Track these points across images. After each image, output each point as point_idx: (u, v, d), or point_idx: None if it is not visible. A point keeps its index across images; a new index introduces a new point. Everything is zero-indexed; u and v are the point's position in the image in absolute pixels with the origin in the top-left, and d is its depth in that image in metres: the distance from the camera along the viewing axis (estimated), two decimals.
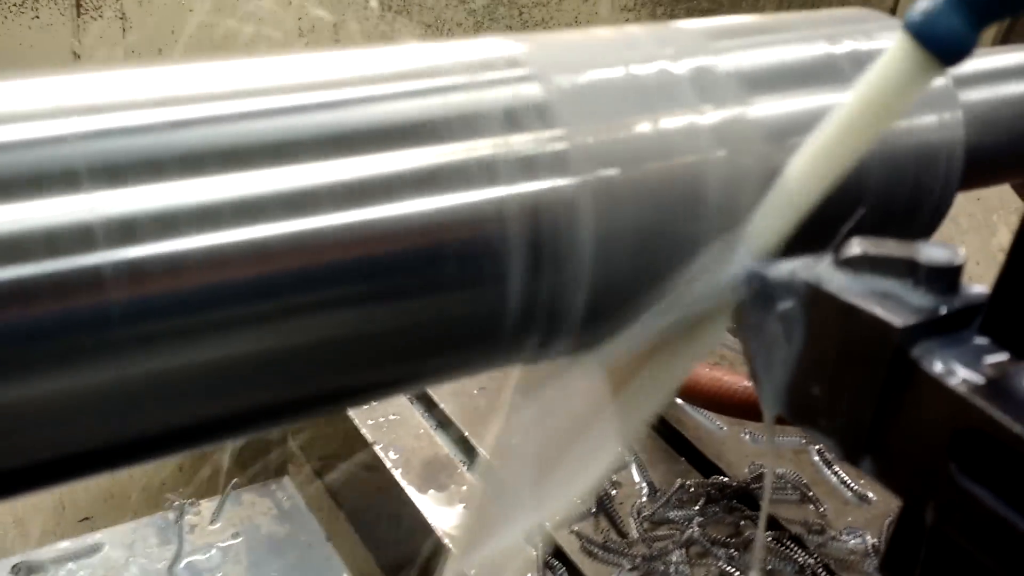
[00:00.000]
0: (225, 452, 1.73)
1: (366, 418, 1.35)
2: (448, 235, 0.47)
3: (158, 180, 0.41)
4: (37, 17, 2.82)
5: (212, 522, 1.51)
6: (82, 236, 0.39)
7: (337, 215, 0.45)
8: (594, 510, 1.26)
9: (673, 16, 4.02)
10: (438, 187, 0.47)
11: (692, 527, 1.27)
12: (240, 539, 1.49)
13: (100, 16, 2.95)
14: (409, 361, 0.51)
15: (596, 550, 1.20)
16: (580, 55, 0.53)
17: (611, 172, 0.50)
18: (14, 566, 1.37)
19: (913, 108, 0.63)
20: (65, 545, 1.44)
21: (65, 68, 0.44)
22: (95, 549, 1.44)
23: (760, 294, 0.53)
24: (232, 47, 3.06)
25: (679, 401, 1.44)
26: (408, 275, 0.47)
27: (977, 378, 0.46)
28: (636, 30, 0.57)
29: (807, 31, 0.61)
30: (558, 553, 1.20)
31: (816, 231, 0.51)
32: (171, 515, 1.52)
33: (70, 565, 1.41)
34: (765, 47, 0.58)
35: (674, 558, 1.21)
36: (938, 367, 0.47)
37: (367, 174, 0.46)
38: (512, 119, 0.49)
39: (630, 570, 1.18)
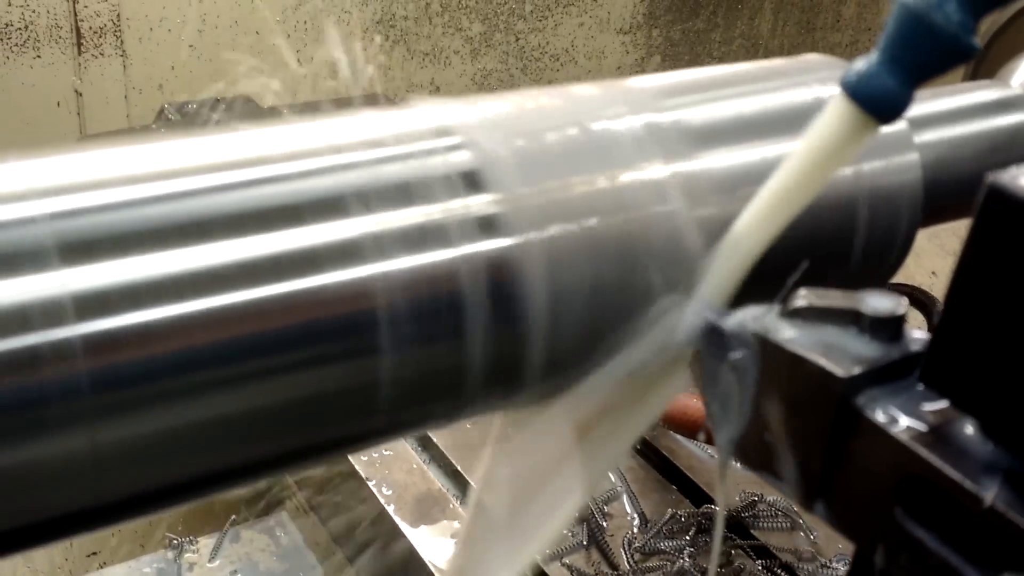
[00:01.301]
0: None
1: (360, 454, 1.36)
2: (388, 299, 0.49)
3: (123, 255, 0.43)
4: (39, 56, 2.87)
5: (211, 559, 1.53)
6: (54, 310, 0.41)
7: (288, 283, 0.46)
8: (585, 542, 1.27)
9: (669, 38, 4.04)
10: (375, 254, 0.48)
11: (683, 558, 1.27)
12: None
13: (100, 54, 2.99)
14: (375, 415, 0.52)
15: None
16: (527, 119, 0.55)
17: (556, 230, 0.52)
18: None
19: (873, 154, 0.65)
20: None
21: (28, 151, 0.46)
22: None
23: (712, 344, 0.54)
24: (235, 77, 3.09)
25: (670, 431, 1.45)
26: (347, 337, 0.48)
27: (919, 426, 0.48)
28: (589, 90, 0.58)
29: (764, 83, 0.62)
30: None
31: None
32: (170, 553, 1.53)
33: None
34: (718, 101, 0.60)
35: None
36: (881, 416, 0.48)
37: (294, 246, 0.47)
38: (450, 186, 0.51)
39: None
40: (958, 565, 0.47)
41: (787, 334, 0.51)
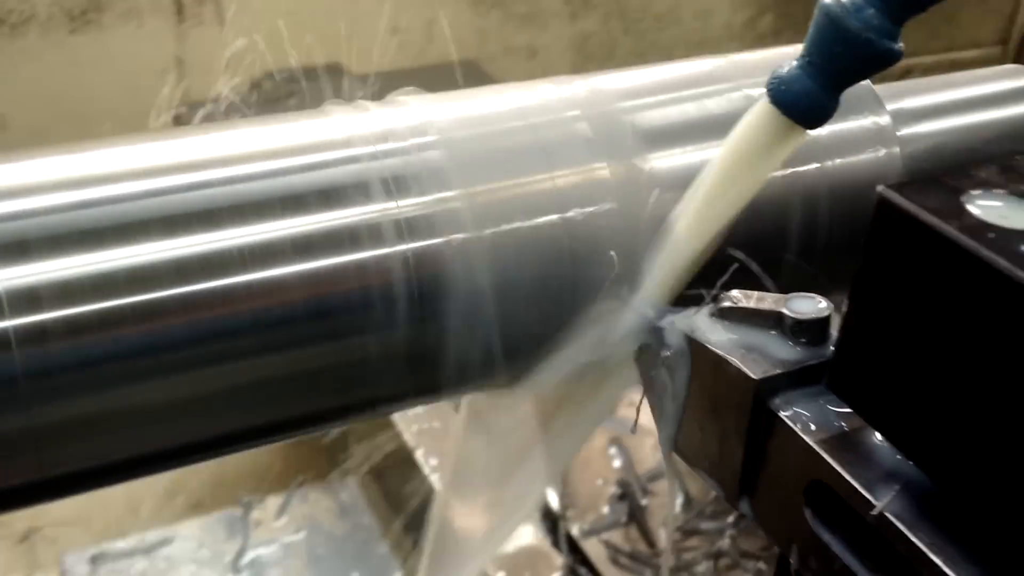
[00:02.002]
0: (294, 450, 1.82)
1: (410, 424, 1.41)
2: (340, 288, 0.51)
3: (59, 255, 0.47)
4: (141, 26, 2.98)
5: (277, 518, 1.60)
6: None
7: (240, 276, 0.50)
8: (625, 519, 1.29)
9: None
10: (332, 249, 0.51)
11: (724, 538, 1.28)
12: (302, 535, 1.57)
13: (200, 22, 3.08)
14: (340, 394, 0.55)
15: (623, 559, 1.23)
16: (477, 122, 0.56)
17: (490, 231, 0.53)
18: (92, 556, 1.48)
19: (846, 149, 0.64)
20: (139, 538, 1.54)
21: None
22: (166, 542, 1.54)
23: (648, 342, 0.55)
24: (329, 44, 3.16)
25: None
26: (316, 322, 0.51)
27: (829, 431, 0.48)
28: (548, 89, 0.60)
29: (732, 82, 0.62)
30: (584, 561, 1.24)
31: None
32: (239, 510, 1.61)
33: (143, 557, 1.51)
34: (674, 104, 0.60)
35: (701, 569, 1.23)
36: (793, 419, 0.49)
37: (264, 238, 0.50)
38: (400, 185, 0.53)
39: None
40: (858, 571, 0.47)
41: (712, 334, 0.52)
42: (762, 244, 0.60)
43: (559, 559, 1.21)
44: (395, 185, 0.52)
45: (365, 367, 0.54)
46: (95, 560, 1.49)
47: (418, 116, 0.57)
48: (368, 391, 0.56)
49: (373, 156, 0.54)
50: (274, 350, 0.51)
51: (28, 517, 2.43)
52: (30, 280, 0.46)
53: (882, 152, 0.65)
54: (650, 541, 1.27)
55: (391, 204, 0.52)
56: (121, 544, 1.53)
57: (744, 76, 0.62)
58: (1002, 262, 0.38)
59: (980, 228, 0.40)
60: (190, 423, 0.51)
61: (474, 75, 2.86)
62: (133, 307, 0.47)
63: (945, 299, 0.41)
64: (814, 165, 0.63)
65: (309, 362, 0.52)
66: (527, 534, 1.26)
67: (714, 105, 0.59)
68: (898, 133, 0.68)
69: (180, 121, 2.51)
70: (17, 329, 0.45)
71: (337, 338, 0.52)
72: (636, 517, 1.30)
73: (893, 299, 0.44)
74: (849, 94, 0.66)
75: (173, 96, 2.99)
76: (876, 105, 0.66)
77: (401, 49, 3.55)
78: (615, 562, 1.22)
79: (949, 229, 0.40)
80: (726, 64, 0.64)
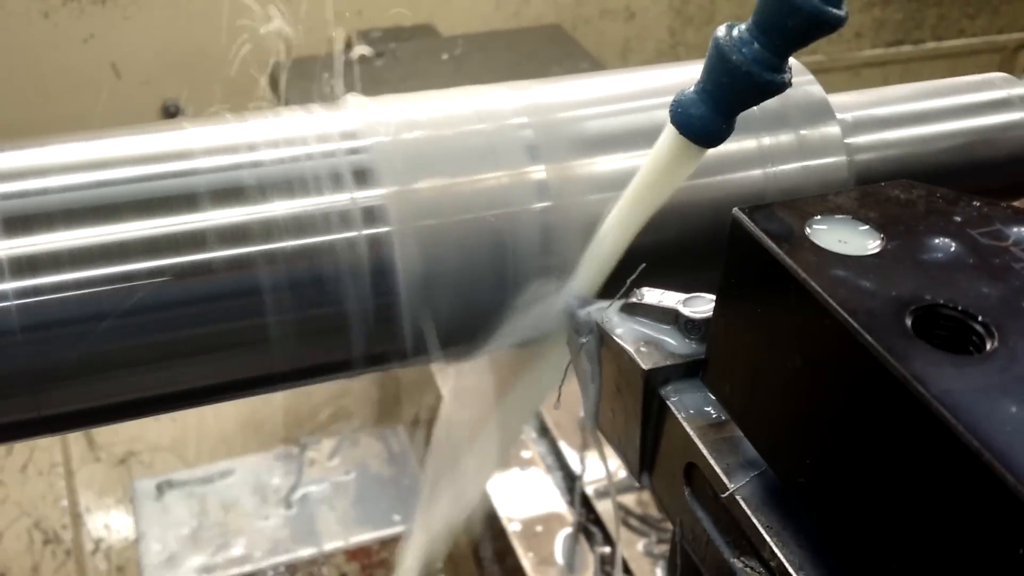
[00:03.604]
0: (351, 398, 1.93)
1: (447, 381, 1.49)
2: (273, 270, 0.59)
3: (53, 229, 0.56)
4: None
5: (330, 459, 1.71)
6: None
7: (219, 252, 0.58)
8: (639, 484, 1.35)
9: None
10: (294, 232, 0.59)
11: None
12: (351, 476, 1.68)
13: None
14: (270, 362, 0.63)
15: (633, 521, 1.30)
16: (431, 123, 0.63)
17: (432, 221, 0.60)
18: (158, 484, 1.61)
19: (792, 156, 0.69)
20: (204, 469, 1.67)
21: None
22: (227, 473, 1.66)
23: (573, 329, 0.62)
24: (424, 3, 3.24)
25: None
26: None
27: (702, 420, 0.54)
28: (502, 95, 0.66)
29: (667, 96, 0.67)
30: (596, 520, 1.30)
31: None
32: (296, 449, 1.72)
33: (206, 486, 1.64)
34: (616, 115, 0.65)
35: None
36: (677, 405, 0.55)
37: (245, 219, 0.58)
38: (343, 181, 0.60)
39: (657, 542, 1.26)
40: (720, 546, 0.53)
41: (618, 326, 0.58)
42: (700, 241, 0.66)
43: (572, 517, 1.28)
44: (355, 178, 0.60)
45: (332, 332, 0.61)
46: (161, 487, 1.62)
47: (386, 115, 0.63)
48: (335, 353, 0.63)
49: (338, 152, 0.61)
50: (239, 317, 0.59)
51: (126, 442, 2.62)
52: (27, 250, 0.55)
53: (829, 160, 0.69)
54: (661, 505, 1.33)
55: (348, 195, 0.59)
56: (186, 473, 1.66)
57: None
58: (812, 283, 0.43)
59: (805, 252, 0.45)
60: (174, 375, 0.60)
61: (559, 39, 2.89)
62: (121, 274, 0.56)
63: (777, 314, 0.46)
64: (759, 170, 0.68)
65: (277, 329, 0.60)
66: (545, 492, 1.33)
67: (647, 116, 0.64)
68: (852, 141, 0.72)
69: (274, 78, 2.62)
70: (17, 290, 0.54)
71: (306, 307, 0.60)
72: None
73: (743, 310, 0.49)
74: (801, 104, 0.70)
75: (277, 51, 3.10)
76: (827, 115, 0.70)
77: (498, 8, 3.61)
78: (625, 523, 1.29)
79: (776, 250, 0.45)
80: (666, 75, 0.69)
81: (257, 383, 0.64)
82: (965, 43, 4.00)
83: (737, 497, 0.50)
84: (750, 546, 0.50)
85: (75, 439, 2.66)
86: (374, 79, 2.52)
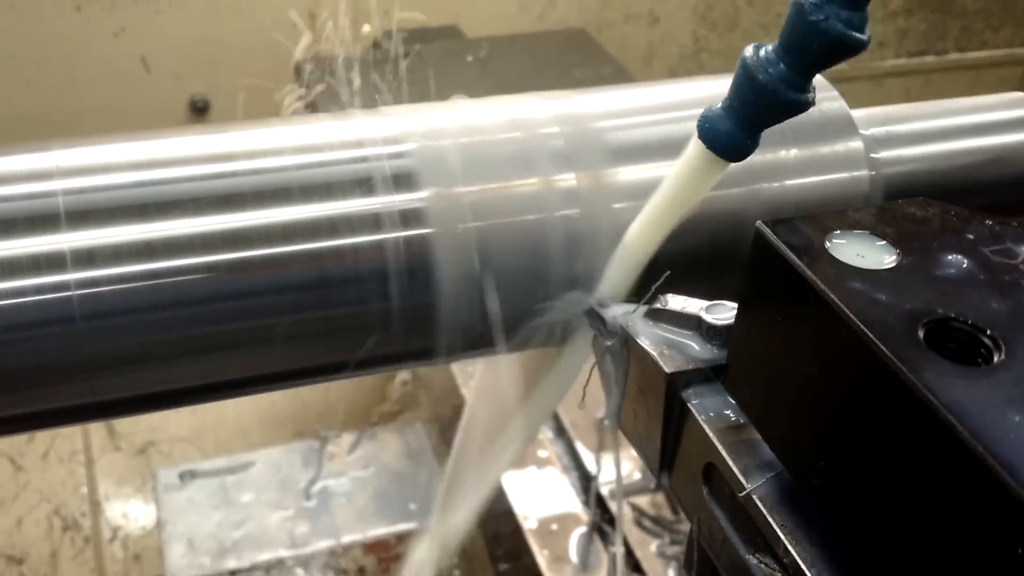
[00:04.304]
0: (369, 393, 1.95)
1: (467, 379, 1.52)
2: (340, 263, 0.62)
3: (113, 224, 0.59)
4: None
5: (349, 452, 1.74)
6: (57, 260, 0.58)
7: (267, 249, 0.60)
8: (653, 486, 1.37)
9: None
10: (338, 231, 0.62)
11: None
12: (370, 470, 1.71)
13: None
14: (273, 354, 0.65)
15: (646, 522, 1.32)
16: (470, 130, 0.66)
17: (472, 224, 0.63)
18: (180, 473, 1.65)
19: (812, 169, 0.71)
20: (226, 459, 1.70)
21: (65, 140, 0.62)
22: (248, 465, 1.70)
23: (599, 331, 0.64)
24: (451, 4, 3.27)
25: None
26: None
27: (726, 421, 0.56)
28: (536, 104, 0.68)
29: (695, 108, 0.69)
30: (611, 520, 1.33)
31: None
32: (317, 443, 1.75)
33: (227, 477, 1.67)
34: (646, 125, 0.68)
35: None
36: (697, 408, 0.57)
37: (290, 219, 0.61)
38: (400, 182, 0.63)
39: (670, 543, 1.29)
40: (736, 543, 0.55)
41: (642, 330, 0.61)
42: (724, 250, 0.68)
43: (587, 516, 1.31)
44: (396, 182, 0.62)
45: (362, 330, 0.64)
46: (184, 476, 1.66)
47: (426, 122, 0.66)
48: (375, 349, 0.66)
49: (381, 156, 0.64)
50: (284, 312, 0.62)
51: (146, 431, 2.66)
52: (89, 243, 0.58)
53: (850, 174, 0.72)
54: (674, 508, 1.35)
55: (389, 198, 0.62)
56: (208, 464, 1.69)
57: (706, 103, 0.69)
58: (830, 295, 0.45)
59: (824, 265, 0.47)
60: (221, 366, 0.63)
61: (583, 43, 2.92)
62: (176, 268, 0.59)
63: (796, 323, 0.49)
64: (784, 182, 0.70)
65: (319, 324, 0.63)
66: (561, 491, 1.36)
67: (677, 128, 0.67)
68: (876, 156, 0.74)
69: (301, 73, 2.65)
70: (79, 281, 0.57)
71: (344, 304, 0.62)
72: (663, 484, 1.38)
73: (763, 318, 0.52)
74: (826, 119, 0.73)
75: (303, 50, 3.14)
76: (850, 130, 0.72)
77: (523, 11, 3.64)
78: (639, 524, 1.31)
79: (797, 263, 0.47)
80: (693, 88, 0.72)
81: (301, 375, 0.66)
82: (988, 55, 4.00)
83: (754, 497, 0.52)
84: (765, 544, 0.53)
85: (96, 428, 2.70)
86: (399, 78, 2.55)
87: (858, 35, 0.50)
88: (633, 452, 1.33)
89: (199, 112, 2.95)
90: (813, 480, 0.50)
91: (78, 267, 0.58)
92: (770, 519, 0.52)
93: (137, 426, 2.65)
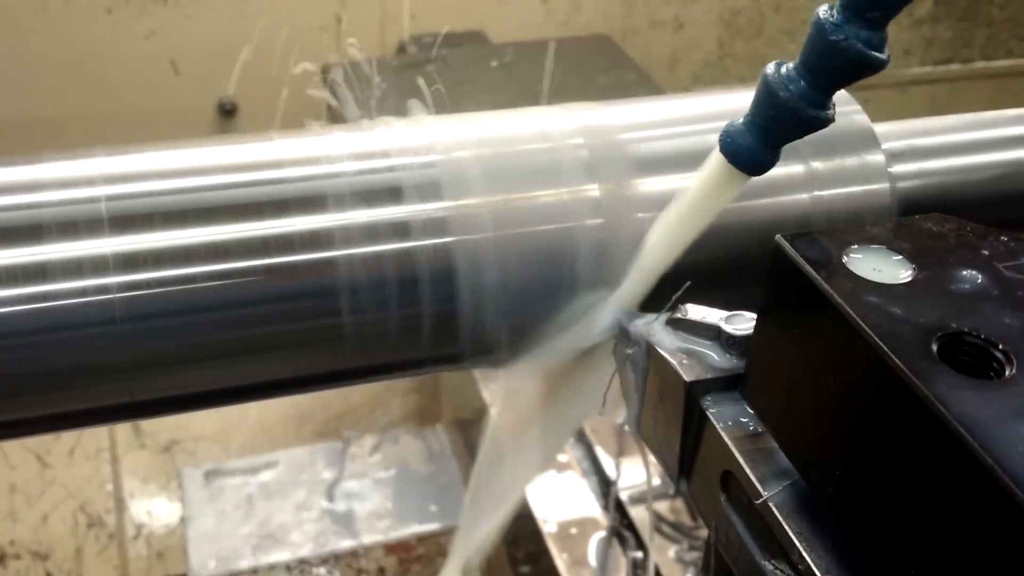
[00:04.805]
0: (395, 397, 1.97)
1: (488, 384, 1.53)
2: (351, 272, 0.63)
3: (154, 229, 0.61)
4: None
5: (371, 455, 1.76)
6: (100, 263, 0.60)
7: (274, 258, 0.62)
8: (672, 492, 1.38)
9: None
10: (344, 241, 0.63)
11: None
12: (392, 472, 1.73)
13: None
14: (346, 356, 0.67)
15: (665, 528, 1.33)
16: (495, 141, 0.67)
17: (495, 233, 0.64)
18: (205, 472, 1.67)
19: (836, 182, 0.72)
20: (250, 459, 1.73)
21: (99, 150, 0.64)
22: (272, 465, 1.72)
23: (620, 339, 0.65)
24: (481, 9, 3.30)
25: None
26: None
27: (740, 431, 0.57)
28: (560, 116, 0.70)
29: (716, 121, 0.70)
30: (630, 525, 1.34)
31: None
32: (340, 444, 1.77)
33: (251, 476, 1.69)
34: (668, 138, 0.69)
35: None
36: (716, 416, 0.58)
37: (313, 227, 0.63)
38: (427, 192, 0.64)
39: (688, 549, 1.30)
40: (753, 549, 0.56)
41: (663, 339, 0.62)
42: (745, 261, 0.69)
43: (606, 521, 1.32)
44: (424, 191, 0.64)
45: (389, 335, 0.66)
46: (208, 475, 1.68)
47: (456, 133, 0.68)
48: (392, 355, 0.68)
49: (412, 166, 0.65)
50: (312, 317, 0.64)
51: (171, 430, 2.69)
52: (132, 247, 0.60)
53: (871, 186, 0.73)
54: (692, 515, 1.36)
55: (419, 206, 0.64)
56: (232, 463, 1.71)
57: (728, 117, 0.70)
58: (846, 308, 0.47)
59: (841, 279, 0.48)
60: (256, 367, 0.65)
61: (607, 49, 2.93)
62: (215, 272, 0.60)
63: (813, 335, 0.50)
64: (806, 194, 0.71)
65: (352, 328, 0.64)
66: (580, 496, 1.37)
67: (699, 140, 0.68)
68: (896, 169, 0.75)
69: (327, 76, 2.68)
70: (120, 284, 0.59)
71: (378, 309, 0.64)
72: (681, 491, 1.39)
73: (781, 330, 0.53)
74: (848, 133, 0.74)
75: (330, 49, 3.16)
76: (872, 144, 0.73)
77: (548, 16, 3.66)
78: (658, 530, 1.32)
79: (815, 276, 0.48)
80: (716, 101, 0.73)
81: (332, 378, 0.68)
82: (1014, 64, 3.99)
83: (770, 504, 0.54)
84: (780, 550, 0.54)
85: (121, 426, 2.74)
86: (425, 83, 2.57)
87: (877, 55, 0.51)
88: (653, 458, 1.34)
89: (227, 114, 2.98)
90: (828, 489, 0.51)
91: (121, 271, 0.60)
92: (786, 526, 0.53)
93: (162, 424, 2.68)
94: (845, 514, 0.50)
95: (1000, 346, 0.44)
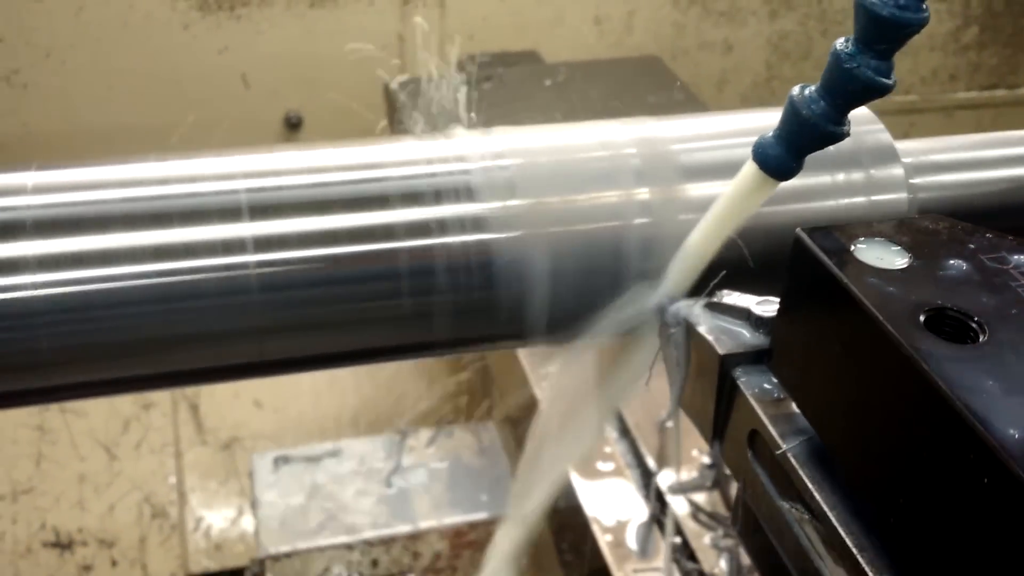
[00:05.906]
0: (448, 399, 2.09)
1: (539, 380, 1.64)
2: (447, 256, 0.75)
3: (282, 217, 0.73)
4: (372, 4, 3.30)
5: (427, 447, 1.87)
6: (238, 244, 0.72)
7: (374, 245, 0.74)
8: (710, 484, 1.48)
9: (990, 8, 3.85)
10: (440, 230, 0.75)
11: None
12: (445, 464, 1.84)
13: (423, 3, 3.38)
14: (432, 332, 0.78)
15: (702, 517, 1.43)
16: (557, 150, 0.78)
17: (555, 229, 0.75)
18: (274, 459, 1.79)
19: (860, 191, 0.82)
20: (314, 448, 1.85)
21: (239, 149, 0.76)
22: (335, 453, 1.84)
23: (664, 321, 0.76)
24: (536, 31, 3.43)
25: None
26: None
27: (766, 397, 0.68)
28: (617, 129, 0.81)
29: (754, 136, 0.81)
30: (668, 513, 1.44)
31: None
32: (398, 437, 1.89)
33: (316, 463, 1.81)
34: (712, 149, 0.80)
35: None
36: (745, 384, 0.69)
37: (384, 222, 0.75)
38: (499, 193, 0.76)
39: (723, 536, 1.39)
40: (773, 495, 0.67)
41: (701, 320, 0.72)
42: (778, 257, 0.80)
43: (647, 509, 1.42)
44: (503, 191, 0.76)
45: (472, 312, 0.77)
46: (277, 462, 1.80)
47: (529, 142, 0.79)
48: (473, 330, 0.79)
49: (492, 169, 0.77)
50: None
51: (232, 427, 2.83)
52: (266, 231, 0.72)
53: (892, 196, 0.83)
54: (727, 505, 1.45)
55: (499, 204, 0.75)
56: (299, 451, 1.84)
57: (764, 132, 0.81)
58: (852, 288, 0.57)
59: (850, 265, 0.59)
60: (362, 337, 0.76)
61: (657, 70, 3.03)
62: (331, 256, 0.72)
63: (826, 312, 0.60)
64: (831, 202, 0.82)
65: (436, 305, 0.76)
66: (623, 486, 1.47)
67: (738, 152, 0.79)
68: (914, 181, 0.85)
69: (389, 92, 2.80)
70: (256, 262, 0.71)
71: (460, 290, 0.76)
72: (720, 484, 1.48)
73: (801, 309, 0.63)
74: (872, 148, 0.84)
75: (390, 68, 3.29)
76: (892, 158, 0.84)
77: (601, 37, 3.77)
78: (695, 518, 1.42)
79: (827, 262, 0.59)
80: (752, 118, 0.84)
81: (416, 348, 0.80)
82: None
83: (789, 455, 0.64)
84: (796, 494, 0.64)
85: (184, 423, 2.87)
86: (482, 100, 2.69)
87: (885, 80, 0.62)
88: (692, 455, 1.47)
89: (292, 127, 3.12)
90: (835, 440, 0.61)
91: (257, 251, 0.72)
92: (801, 473, 0.63)
93: (223, 422, 2.81)
94: (848, 461, 0.60)
95: (976, 318, 0.54)
